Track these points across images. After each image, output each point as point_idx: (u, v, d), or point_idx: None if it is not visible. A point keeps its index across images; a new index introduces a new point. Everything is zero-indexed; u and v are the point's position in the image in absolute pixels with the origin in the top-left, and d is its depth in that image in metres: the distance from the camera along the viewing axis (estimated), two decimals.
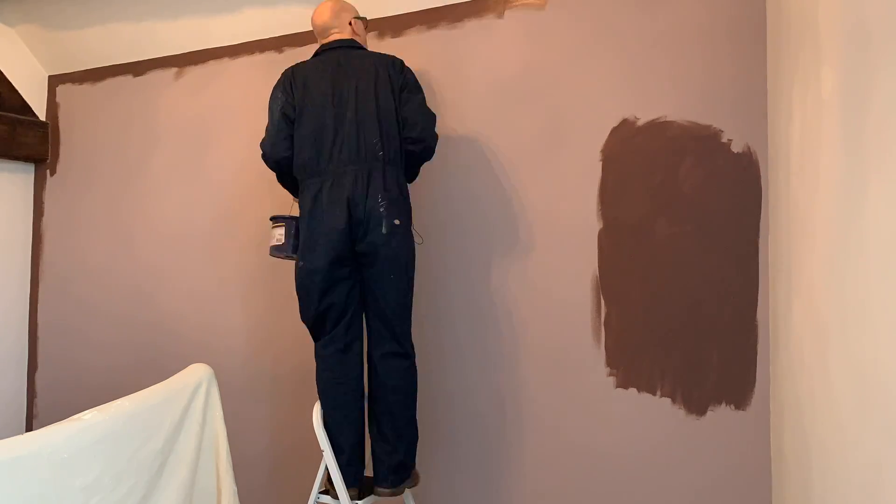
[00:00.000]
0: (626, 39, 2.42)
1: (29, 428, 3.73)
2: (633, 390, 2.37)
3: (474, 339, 2.63)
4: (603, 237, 2.43)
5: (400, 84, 2.31)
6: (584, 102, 2.48)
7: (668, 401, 2.31)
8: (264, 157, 2.35)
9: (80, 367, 3.58)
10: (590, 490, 2.41)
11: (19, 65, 3.67)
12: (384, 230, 2.17)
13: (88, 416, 1.76)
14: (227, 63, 3.25)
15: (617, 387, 2.39)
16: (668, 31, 2.36)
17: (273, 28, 3.11)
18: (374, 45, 2.91)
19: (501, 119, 2.62)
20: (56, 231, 3.75)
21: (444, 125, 2.71)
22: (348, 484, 2.21)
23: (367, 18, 2.59)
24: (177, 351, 3.25)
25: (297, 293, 2.29)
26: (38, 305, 3.77)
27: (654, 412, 2.32)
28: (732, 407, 2.22)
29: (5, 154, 3.56)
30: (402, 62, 2.37)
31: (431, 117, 2.33)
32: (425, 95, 2.37)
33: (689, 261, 2.30)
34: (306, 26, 3.04)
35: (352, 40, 2.40)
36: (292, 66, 2.39)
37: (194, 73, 3.35)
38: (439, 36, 2.76)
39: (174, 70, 3.40)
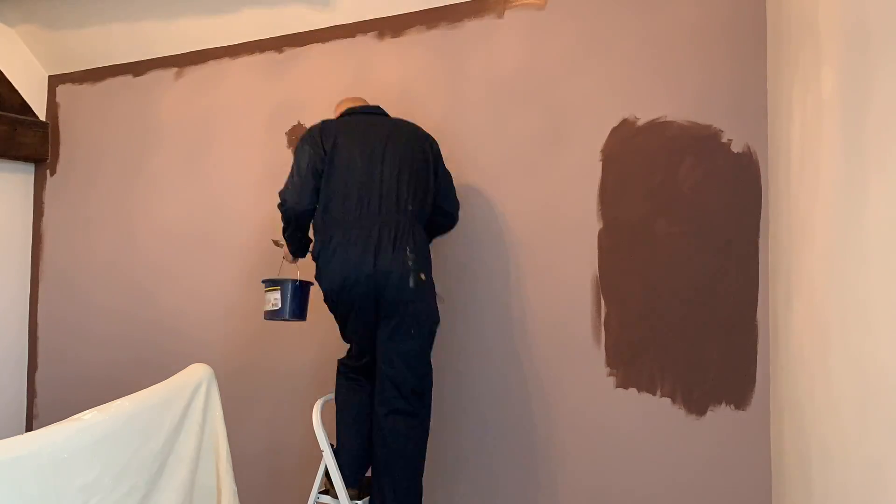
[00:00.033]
0: (625, 39, 2.42)
1: (29, 428, 3.73)
2: (633, 390, 2.37)
3: (473, 338, 2.63)
4: (603, 237, 2.43)
5: (434, 154, 2.36)
6: (584, 102, 2.48)
7: (668, 401, 2.31)
8: (284, 207, 2.27)
9: (80, 366, 3.58)
10: (590, 490, 2.41)
11: (19, 65, 3.68)
12: (412, 283, 2.12)
13: (88, 416, 1.76)
14: (227, 63, 3.25)
15: (617, 387, 2.39)
16: (668, 31, 2.36)
17: (273, 28, 3.11)
18: (375, 45, 2.91)
19: (501, 119, 2.62)
20: (56, 231, 3.75)
21: (445, 125, 2.71)
22: (348, 484, 2.21)
23: None
24: (177, 351, 3.25)
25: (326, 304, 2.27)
26: (38, 305, 3.77)
27: (654, 412, 2.32)
28: (732, 407, 2.22)
29: (5, 154, 3.57)
30: (432, 137, 2.42)
31: (456, 197, 2.46)
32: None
33: (688, 261, 2.30)
34: (306, 26, 3.05)
35: (380, 108, 2.47)
36: (320, 123, 2.36)
37: (194, 73, 3.35)
38: (439, 36, 2.76)
39: (174, 70, 3.40)
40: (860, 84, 1.10)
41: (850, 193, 1.16)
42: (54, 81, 3.80)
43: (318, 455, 2.27)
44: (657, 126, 2.36)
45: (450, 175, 2.44)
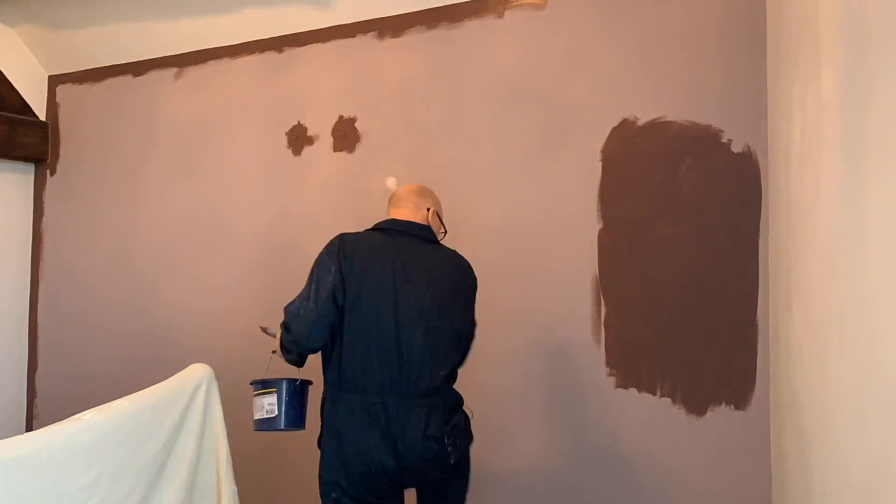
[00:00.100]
0: (625, 39, 2.42)
1: (29, 428, 3.73)
2: (633, 390, 2.37)
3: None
4: (603, 237, 2.43)
5: (473, 296, 2.03)
6: (584, 102, 2.48)
7: (668, 401, 2.31)
8: (288, 333, 1.83)
9: (80, 366, 3.58)
10: (590, 490, 2.41)
11: (19, 65, 3.67)
12: (453, 460, 1.84)
13: (88, 416, 1.76)
14: (227, 63, 3.25)
15: (617, 387, 2.39)
16: (668, 31, 2.36)
17: (273, 28, 3.11)
18: (375, 44, 2.90)
19: (501, 119, 2.62)
20: (56, 231, 3.74)
21: (444, 125, 2.71)
22: None
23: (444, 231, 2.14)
24: (176, 352, 3.24)
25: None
26: (38, 305, 3.76)
27: (654, 412, 2.32)
28: (732, 407, 2.22)
29: (5, 154, 3.56)
30: (474, 274, 2.05)
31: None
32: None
33: (688, 261, 2.30)
34: (306, 26, 3.05)
35: (427, 227, 2.00)
36: (349, 239, 1.92)
37: (194, 73, 3.35)
38: (439, 36, 2.76)
39: (174, 70, 3.40)
40: (860, 84, 1.10)
41: (850, 193, 1.16)
42: (54, 81, 3.80)
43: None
44: (657, 126, 2.36)
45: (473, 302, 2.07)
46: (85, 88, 3.70)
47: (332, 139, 2.98)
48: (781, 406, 1.93)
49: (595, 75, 2.47)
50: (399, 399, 1.78)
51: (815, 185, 1.46)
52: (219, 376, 2.21)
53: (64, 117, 3.76)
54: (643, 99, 2.38)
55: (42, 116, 3.78)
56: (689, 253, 2.30)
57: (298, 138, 3.05)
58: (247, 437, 3.00)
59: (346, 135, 2.94)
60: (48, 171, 3.78)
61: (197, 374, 2.14)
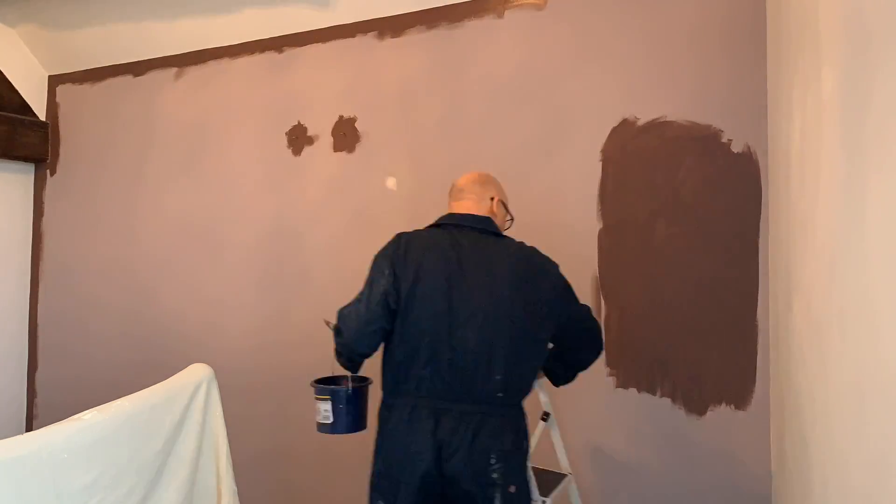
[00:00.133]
0: (625, 39, 2.42)
1: (29, 428, 3.73)
2: (633, 390, 2.37)
3: None
4: (603, 237, 2.43)
5: (559, 294, 1.81)
6: (584, 102, 2.48)
7: (668, 401, 2.31)
8: (339, 336, 1.77)
9: (80, 366, 3.58)
10: (589, 490, 2.41)
11: (19, 65, 3.68)
12: (497, 494, 1.66)
13: (88, 416, 1.75)
14: (227, 63, 3.25)
15: (617, 387, 2.39)
16: (668, 31, 2.36)
17: (273, 28, 3.11)
18: (375, 44, 2.90)
19: (501, 119, 2.62)
20: (56, 231, 3.74)
21: (444, 125, 2.71)
22: None
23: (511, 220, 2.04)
24: (177, 351, 3.25)
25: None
26: (38, 305, 3.77)
27: (654, 412, 2.32)
28: (732, 407, 2.22)
29: (5, 154, 3.57)
30: (555, 264, 1.84)
31: (599, 329, 1.92)
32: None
33: (688, 261, 2.30)
34: (306, 26, 3.05)
35: (487, 219, 1.87)
36: (405, 238, 1.82)
37: (194, 73, 3.35)
38: (439, 36, 2.76)
39: (174, 70, 3.40)
40: (860, 84, 1.10)
41: (850, 193, 1.16)
42: (54, 81, 3.80)
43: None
44: (657, 126, 2.36)
45: (583, 310, 1.88)
46: (85, 88, 3.70)
47: (332, 139, 2.98)
48: (781, 406, 1.93)
49: (595, 75, 2.47)
50: (450, 404, 1.68)
51: (815, 185, 1.46)
52: (218, 375, 2.21)
53: (64, 117, 3.76)
54: (643, 99, 2.38)
55: (42, 116, 3.79)
56: (689, 253, 2.30)
57: (298, 138, 3.05)
58: (247, 437, 3.00)
59: (346, 135, 2.94)
60: (48, 171, 3.78)
61: (197, 374, 2.14)
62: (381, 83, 2.87)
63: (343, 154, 2.95)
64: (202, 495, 2.07)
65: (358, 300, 1.77)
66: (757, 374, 2.19)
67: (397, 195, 2.82)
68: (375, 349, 1.78)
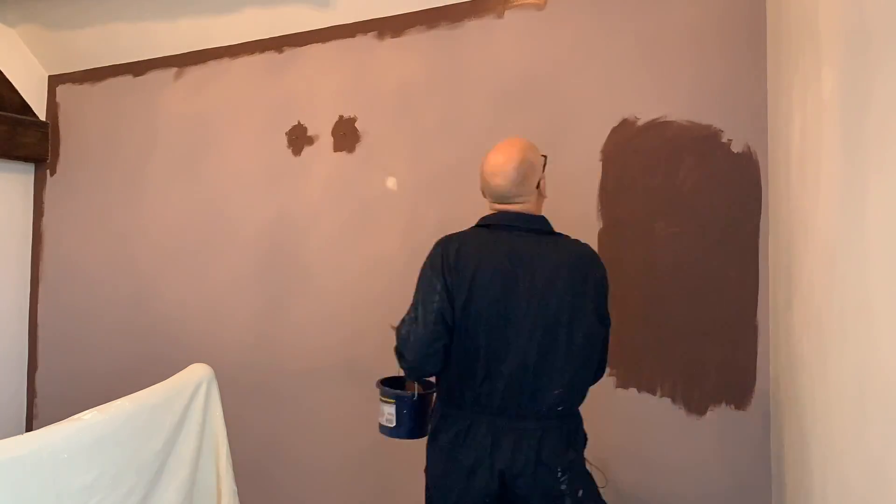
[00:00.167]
0: (625, 39, 2.42)
1: (29, 428, 3.73)
2: (633, 390, 2.37)
3: None
4: (603, 237, 2.43)
5: (601, 296, 1.72)
6: (584, 102, 2.48)
7: (668, 401, 2.31)
8: (402, 357, 1.69)
9: (80, 366, 3.58)
10: None
11: (19, 65, 3.68)
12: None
13: (88, 416, 1.75)
14: (227, 63, 3.25)
15: (617, 387, 2.39)
16: (668, 31, 2.36)
17: (273, 28, 3.11)
18: (375, 44, 2.90)
19: (501, 119, 2.62)
20: (56, 231, 3.75)
21: (444, 125, 2.71)
22: None
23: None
24: (176, 349, 3.25)
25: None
26: (38, 305, 3.77)
27: (655, 412, 2.32)
28: (732, 407, 2.22)
29: (5, 154, 3.57)
30: (604, 269, 1.76)
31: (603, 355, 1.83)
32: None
33: (688, 261, 2.30)
34: (306, 26, 3.05)
35: (541, 219, 1.78)
36: (453, 246, 1.71)
37: (194, 73, 3.35)
38: (439, 36, 2.76)
39: (174, 70, 3.40)
40: (860, 84, 1.10)
41: (850, 193, 1.16)
42: (54, 81, 3.81)
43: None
44: (657, 126, 2.36)
45: (602, 330, 1.76)
46: (85, 88, 3.70)
47: (332, 139, 2.98)
48: (781, 406, 1.93)
49: (595, 75, 2.47)
50: (509, 422, 1.63)
51: (815, 185, 1.46)
52: (219, 375, 2.21)
53: (64, 117, 3.76)
54: (643, 99, 2.38)
55: (42, 116, 3.79)
56: (689, 253, 2.30)
57: (298, 138, 3.05)
58: (247, 437, 3.01)
59: (346, 135, 2.94)
60: (48, 171, 3.78)
61: (197, 374, 2.14)
62: (381, 83, 2.87)
63: (343, 154, 2.95)
64: (202, 495, 2.07)
65: (413, 319, 1.67)
66: (757, 374, 2.19)
67: (397, 195, 2.82)
68: (442, 365, 1.70)
